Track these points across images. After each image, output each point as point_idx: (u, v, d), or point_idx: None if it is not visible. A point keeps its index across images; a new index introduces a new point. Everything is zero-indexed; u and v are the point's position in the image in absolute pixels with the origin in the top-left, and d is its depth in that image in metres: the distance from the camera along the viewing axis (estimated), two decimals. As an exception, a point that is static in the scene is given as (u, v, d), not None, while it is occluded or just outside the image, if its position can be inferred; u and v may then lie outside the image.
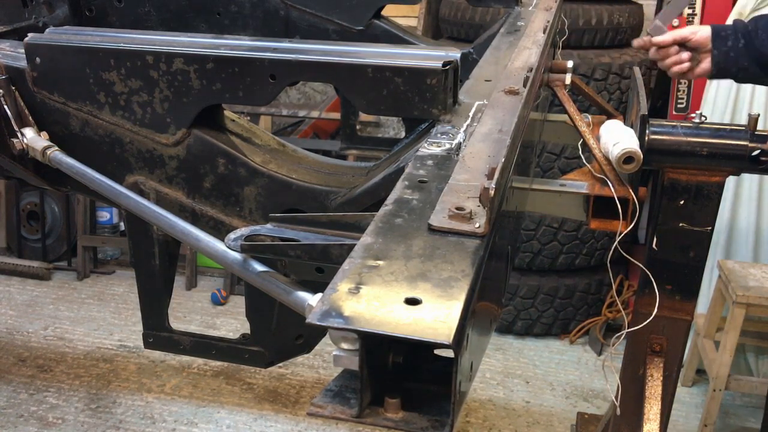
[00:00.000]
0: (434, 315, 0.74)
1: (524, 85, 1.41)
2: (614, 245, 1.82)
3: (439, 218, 0.92)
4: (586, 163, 1.92)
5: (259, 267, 1.24)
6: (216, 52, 1.51)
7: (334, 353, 0.81)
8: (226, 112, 1.74)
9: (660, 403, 2.04)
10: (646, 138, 1.84)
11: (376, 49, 1.51)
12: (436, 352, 0.88)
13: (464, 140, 1.19)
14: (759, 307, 3.35)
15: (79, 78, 1.62)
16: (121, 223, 5.20)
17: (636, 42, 2.43)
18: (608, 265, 2.22)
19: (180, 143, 1.61)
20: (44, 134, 1.70)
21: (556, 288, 4.29)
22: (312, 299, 1.09)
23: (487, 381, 3.99)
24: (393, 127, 5.12)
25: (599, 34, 4.07)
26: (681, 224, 1.91)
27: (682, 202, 1.89)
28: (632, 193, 1.80)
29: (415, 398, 0.85)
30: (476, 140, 1.19)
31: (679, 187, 1.88)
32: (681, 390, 3.85)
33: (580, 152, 2.01)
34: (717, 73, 2.27)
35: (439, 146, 1.17)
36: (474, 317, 0.86)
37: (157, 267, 1.77)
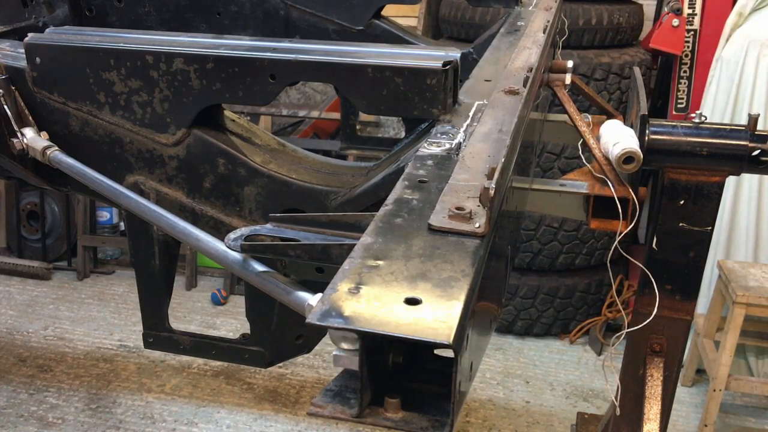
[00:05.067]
0: (434, 315, 0.74)
1: (524, 85, 1.41)
2: (614, 245, 1.82)
3: (439, 218, 0.92)
4: (586, 163, 1.92)
5: (259, 267, 1.24)
6: (216, 52, 1.51)
7: (334, 353, 0.81)
8: (226, 112, 1.74)
9: (660, 403, 2.04)
10: (646, 138, 1.84)
11: (376, 49, 1.51)
12: (436, 352, 0.88)
13: (464, 140, 1.19)
14: (759, 307, 3.35)
15: (79, 78, 1.62)
16: (121, 223, 5.21)
17: None
18: (608, 265, 2.22)
19: (180, 143, 1.61)
20: (44, 134, 1.70)
21: (556, 288, 4.29)
22: (312, 299, 1.09)
23: (487, 381, 3.99)
24: (393, 127, 5.12)
25: (599, 34, 4.07)
26: (681, 224, 1.90)
27: (682, 202, 1.89)
28: (632, 193, 1.80)
29: (415, 398, 0.85)
30: (476, 140, 1.19)
31: (679, 187, 1.88)
32: (681, 390, 3.85)
33: (580, 152, 2.01)
34: None
35: (439, 146, 1.16)
36: (474, 317, 0.86)
37: (157, 267, 1.77)
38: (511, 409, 3.78)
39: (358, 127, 2.55)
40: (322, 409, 0.83)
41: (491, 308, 1.16)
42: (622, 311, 2.71)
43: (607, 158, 1.85)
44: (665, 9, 4.32)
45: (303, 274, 1.32)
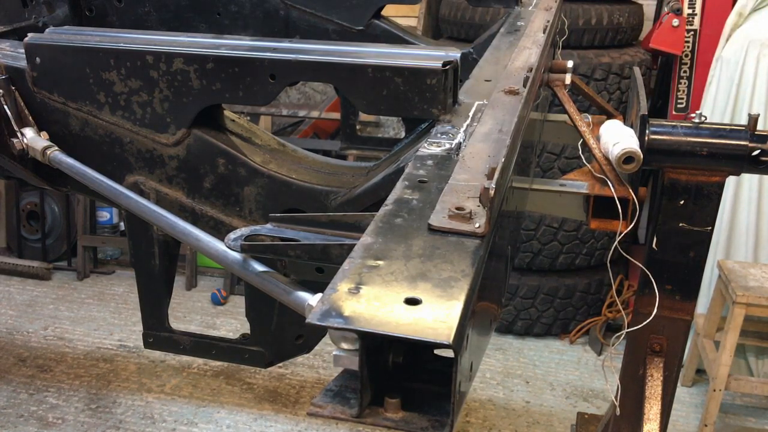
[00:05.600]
0: (434, 315, 0.74)
1: (524, 85, 1.41)
2: (614, 245, 1.82)
3: (439, 218, 0.92)
4: (586, 163, 1.92)
5: (259, 267, 1.23)
6: (216, 52, 1.51)
7: (334, 353, 0.81)
8: (226, 112, 1.74)
9: (660, 403, 2.04)
10: (646, 138, 1.84)
11: (376, 49, 1.51)
12: (436, 352, 0.88)
13: (464, 140, 1.19)
14: (759, 307, 3.35)
15: (79, 78, 1.62)
16: (121, 223, 5.21)
17: None
18: (608, 265, 2.22)
19: (180, 143, 1.61)
20: (44, 134, 1.70)
21: (556, 288, 4.29)
22: (312, 299, 1.09)
23: (487, 381, 3.99)
24: (393, 127, 5.12)
25: (599, 34, 4.07)
26: (681, 224, 1.90)
27: (682, 202, 1.88)
28: (632, 193, 1.80)
29: (415, 398, 0.85)
30: (476, 140, 1.19)
31: (679, 187, 1.88)
32: (681, 390, 3.85)
33: (580, 152, 2.01)
34: None
35: (439, 146, 1.16)
36: (474, 317, 0.86)
37: (157, 267, 1.76)
38: (511, 409, 3.78)
39: (358, 127, 2.55)
40: (322, 409, 0.83)
41: (491, 308, 1.16)
42: (622, 311, 2.71)
43: (607, 158, 1.85)
44: (665, 9, 4.32)
45: (303, 274, 1.32)
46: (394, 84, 1.39)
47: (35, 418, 3.63)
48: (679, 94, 4.41)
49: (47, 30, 1.70)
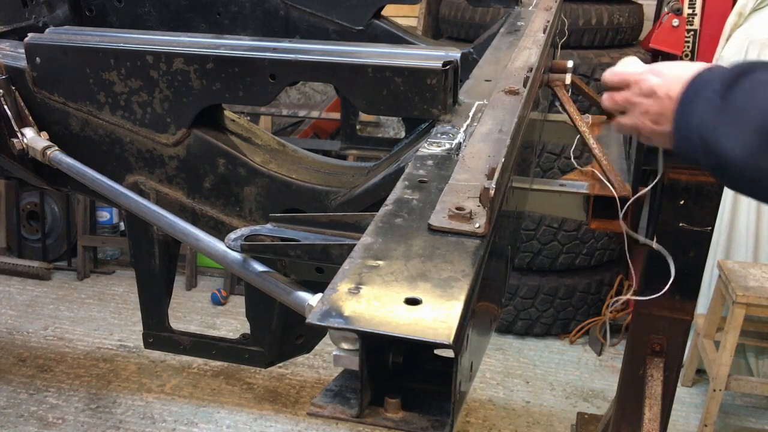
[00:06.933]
0: (434, 315, 0.74)
1: (524, 85, 1.41)
2: (622, 248, 1.81)
3: (439, 218, 0.92)
4: (577, 167, 1.92)
5: (259, 267, 1.23)
6: (216, 52, 1.51)
7: (334, 353, 0.81)
8: (226, 112, 1.74)
9: (660, 403, 2.04)
10: (646, 138, 1.84)
11: (376, 49, 1.51)
12: (436, 352, 0.88)
13: (464, 140, 1.19)
14: (759, 307, 3.35)
15: (79, 78, 1.61)
16: (121, 223, 5.21)
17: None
18: (609, 269, 2.22)
19: (180, 143, 1.61)
20: (44, 134, 1.70)
21: (556, 288, 4.29)
22: (312, 299, 1.09)
23: (487, 381, 3.99)
24: (393, 127, 5.12)
25: (599, 34, 4.07)
26: (681, 224, 1.90)
27: (682, 202, 1.89)
28: (632, 193, 1.80)
29: (415, 398, 0.84)
30: (476, 140, 1.18)
31: (679, 187, 1.88)
32: (681, 390, 3.85)
33: (572, 158, 2.01)
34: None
35: (439, 146, 1.16)
36: (474, 317, 0.86)
37: (157, 267, 1.76)
38: (511, 409, 3.78)
39: (358, 127, 2.54)
40: (322, 409, 0.83)
41: (491, 308, 1.16)
42: (622, 311, 2.71)
43: (607, 159, 1.85)
44: (665, 9, 4.32)
45: (303, 274, 1.32)
46: (394, 84, 1.39)
47: (35, 418, 3.63)
48: (679, 94, 4.40)
49: (47, 30, 1.70)
